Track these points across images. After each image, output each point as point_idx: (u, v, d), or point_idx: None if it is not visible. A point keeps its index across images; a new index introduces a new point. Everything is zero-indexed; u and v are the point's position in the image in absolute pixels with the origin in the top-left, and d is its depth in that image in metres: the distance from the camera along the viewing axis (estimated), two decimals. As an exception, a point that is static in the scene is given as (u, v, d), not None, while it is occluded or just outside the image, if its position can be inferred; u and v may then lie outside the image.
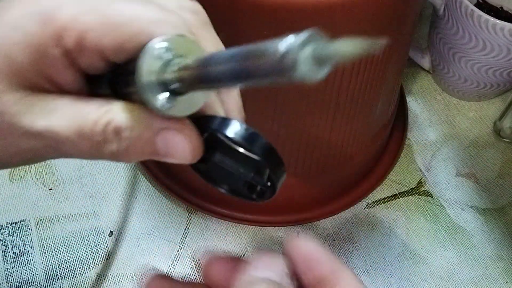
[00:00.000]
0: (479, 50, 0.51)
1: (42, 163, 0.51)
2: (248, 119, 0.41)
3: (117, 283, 0.45)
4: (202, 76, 0.20)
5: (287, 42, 0.17)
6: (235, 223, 0.48)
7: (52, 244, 0.47)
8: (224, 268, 0.26)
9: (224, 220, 0.48)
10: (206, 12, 0.35)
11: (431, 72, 0.60)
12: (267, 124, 0.40)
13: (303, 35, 0.17)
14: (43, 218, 0.48)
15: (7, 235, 0.47)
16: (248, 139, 0.22)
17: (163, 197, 0.50)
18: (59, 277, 0.45)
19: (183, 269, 0.46)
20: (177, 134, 0.22)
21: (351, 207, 0.50)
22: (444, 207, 0.51)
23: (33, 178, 0.50)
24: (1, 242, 0.47)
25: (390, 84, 0.44)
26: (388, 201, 0.51)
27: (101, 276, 0.45)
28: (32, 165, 0.51)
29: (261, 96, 0.39)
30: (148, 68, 0.20)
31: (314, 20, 0.34)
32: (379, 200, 0.51)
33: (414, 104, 0.58)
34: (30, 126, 0.22)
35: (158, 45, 0.21)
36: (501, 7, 0.56)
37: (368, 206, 0.51)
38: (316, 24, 0.34)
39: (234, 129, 0.22)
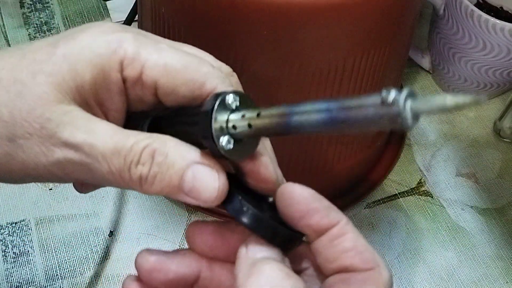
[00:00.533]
0: (479, 50, 0.51)
1: (42, 163, 0.51)
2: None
3: (117, 283, 0.45)
4: (283, 124, 0.22)
5: (393, 93, 0.19)
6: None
7: (52, 244, 0.47)
8: (209, 237, 0.27)
9: (224, 220, 0.48)
10: (206, 12, 0.35)
11: (431, 72, 0.60)
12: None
13: (405, 91, 0.19)
14: (43, 218, 0.48)
15: (7, 235, 0.47)
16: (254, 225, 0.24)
17: (162, 197, 0.50)
18: (59, 277, 0.45)
19: (183, 269, 0.46)
20: (209, 170, 0.23)
21: (351, 207, 0.50)
22: (444, 207, 0.51)
23: (33, 178, 0.50)
24: (1, 242, 0.47)
25: (390, 84, 0.44)
26: (388, 201, 0.51)
27: (101, 276, 0.45)
28: (32, 165, 0.51)
29: (261, 96, 0.39)
30: (219, 114, 0.23)
31: (314, 19, 0.34)
32: (379, 200, 0.51)
33: (414, 104, 0.58)
34: (70, 138, 0.23)
35: (229, 96, 0.23)
36: (501, 7, 0.56)
37: (368, 206, 0.51)
38: (316, 24, 0.35)
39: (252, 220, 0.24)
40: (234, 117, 0.23)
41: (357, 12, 0.34)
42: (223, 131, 0.23)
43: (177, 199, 0.24)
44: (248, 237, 0.25)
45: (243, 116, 0.23)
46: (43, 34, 0.60)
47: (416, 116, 0.20)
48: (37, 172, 0.24)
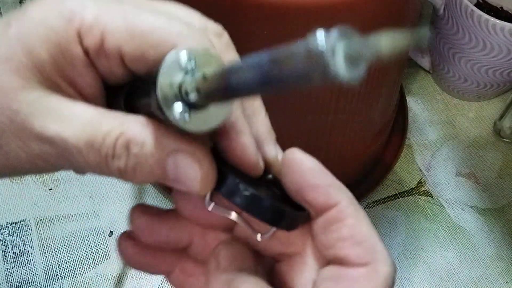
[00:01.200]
0: (479, 50, 0.51)
1: (42, 163, 0.51)
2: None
3: (117, 283, 0.45)
4: (225, 86, 0.19)
5: (318, 39, 0.16)
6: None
7: (52, 244, 0.47)
8: (150, 221, 0.25)
9: (224, 220, 0.48)
10: (207, 12, 0.35)
11: (431, 72, 0.60)
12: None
13: (334, 31, 0.16)
14: (43, 218, 0.48)
15: (7, 235, 0.47)
16: (251, 206, 0.22)
17: (162, 197, 0.50)
18: (59, 277, 0.45)
19: (183, 269, 0.46)
20: (189, 157, 0.21)
21: (351, 207, 0.50)
22: (444, 207, 0.51)
23: (33, 178, 0.50)
24: (1, 242, 0.47)
25: (390, 84, 0.44)
26: (388, 201, 0.51)
27: (101, 276, 0.45)
28: (32, 165, 0.51)
29: (262, 99, 0.39)
30: (168, 77, 0.20)
31: (314, 19, 0.34)
32: (379, 200, 0.51)
33: (414, 104, 0.58)
34: (42, 130, 0.21)
35: (180, 54, 0.20)
36: (501, 7, 0.56)
37: (368, 206, 0.51)
38: (316, 24, 0.34)
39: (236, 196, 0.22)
40: (186, 80, 0.20)
41: (357, 12, 0.34)
42: (176, 98, 0.20)
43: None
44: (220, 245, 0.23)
45: (189, 79, 0.19)
46: (43, 34, 0.60)
47: (353, 62, 0.16)
48: (22, 166, 0.22)
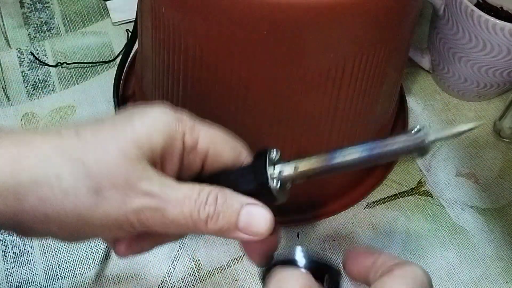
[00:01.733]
0: (479, 50, 0.51)
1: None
2: (249, 122, 0.41)
3: (117, 283, 0.45)
4: (333, 167, 0.29)
5: (423, 132, 0.27)
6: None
7: (52, 244, 0.47)
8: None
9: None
10: (206, 12, 0.35)
11: (431, 72, 0.60)
12: (267, 124, 0.40)
13: (427, 127, 0.27)
14: (43, 218, 0.48)
15: (7, 235, 0.47)
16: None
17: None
18: (59, 277, 0.45)
19: (183, 269, 0.46)
20: (260, 208, 0.30)
21: (351, 207, 0.50)
22: (444, 207, 0.51)
23: (33, 178, 0.50)
24: (1, 242, 0.47)
25: (390, 84, 0.44)
26: (388, 201, 0.51)
27: (101, 276, 0.45)
28: (32, 165, 0.51)
29: (261, 97, 0.39)
30: (271, 168, 0.30)
31: (314, 20, 0.34)
32: (379, 200, 0.51)
33: (414, 104, 0.58)
34: (148, 188, 0.28)
35: (273, 151, 0.31)
36: (501, 7, 0.56)
37: (368, 206, 0.51)
38: (316, 24, 0.35)
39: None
40: (283, 166, 0.30)
41: (357, 12, 0.34)
42: (272, 177, 0.30)
43: (230, 237, 0.30)
44: None
45: (295, 167, 0.30)
46: (43, 34, 0.60)
47: (433, 143, 0.27)
48: (115, 219, 0.28)
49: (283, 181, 0.30)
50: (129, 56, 0.55)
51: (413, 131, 0.27)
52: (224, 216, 0.29)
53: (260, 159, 0.30)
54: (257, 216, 0.30)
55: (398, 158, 0.29)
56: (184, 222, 0.29)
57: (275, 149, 0.31)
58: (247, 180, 0.30)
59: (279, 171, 0.30)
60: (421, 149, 0.27)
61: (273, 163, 0.30)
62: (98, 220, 0.28)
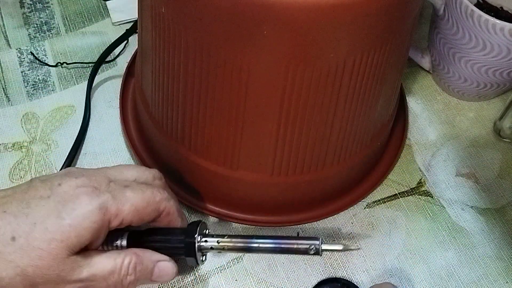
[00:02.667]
0: (479, 50, 0.51)
1: (42, 163, 0.51)
2: (250, 121, 0.41)
3: (117, 283, 0.45)
4: (247, 249, 0.40)
5: (316, 243, 0.39)
6: (235, 223, 0.48)
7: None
8: None
9: (224, 220, 0.48)
10: (206, 12, 0.35)
11: (431, 72, 0.60)
12: (268, 123, 0.40)
13: (319, 240, 0.39)
14: (43, 218, 0.48)
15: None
16: None
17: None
18: (59, 277, 0.45)
19: (183, 269, 0.46)
20: (168, 262, 0.39)
21: (351, 207, 0.50)
22: (444, 207, 0.51)
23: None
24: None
25: (390, 84, 0.44)
26: (388, 201, 0.51)
27: (101, 276, 0.45)
28: (32, 165, 0.51)
29: (261, 96, 0.39)
30: (198, 241, 0.39)
31: (314, 20, 0.34)
32: (379, 200, 0.51)
33: (414, 104, 0.58)
34: (78, 276, 0.35)
35: (201, 226, 0.40)
36: (501, 7, 0.56)
37: (368, 206, 0.51)
38: (316, 24, 0.35)
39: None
40: (212, 241, 0.39)
41: (357, 12, 0.34)
42: (200, 249, 0.40)
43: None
44: None
45: (217, 241, 0.39)
46: (43, 34, 0.60)
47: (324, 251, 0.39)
48: None
49: (204, 248, 0.39)
50: (116, 46, 0.57)
51: (310, 241, 0.39)
52: (142, 278, 0.38)
53: (192, 226, 0.40)
54: (165, 269, 0.39)
55: (297, 254, 0.39)
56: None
57: (206, 225, 0.41)
58: (178, 240, 0.39)
59: (205, 240, 0.39)
60: (315, 253, 0.38)
61: (203, 234, 0.40)
62: None
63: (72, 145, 0.52)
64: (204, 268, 0.46)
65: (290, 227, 0.49)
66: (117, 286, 0.37)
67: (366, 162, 0.50)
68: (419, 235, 0.49)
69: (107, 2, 0.63)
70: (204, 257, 0.41)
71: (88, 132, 0.53)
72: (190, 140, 0.44)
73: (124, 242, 0.39)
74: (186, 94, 0.41)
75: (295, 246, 0.39)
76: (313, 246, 0.38)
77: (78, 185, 0.36)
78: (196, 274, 0.46)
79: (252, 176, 0.44)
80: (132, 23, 0.60)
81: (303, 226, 0.49)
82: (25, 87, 0.56)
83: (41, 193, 0.36)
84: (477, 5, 0.55)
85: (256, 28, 0.34)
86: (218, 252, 0.41)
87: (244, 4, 0.33)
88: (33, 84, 0.56)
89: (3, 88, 0.56)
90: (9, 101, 0.55)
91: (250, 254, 0.47)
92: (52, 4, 0.63)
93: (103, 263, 0.36)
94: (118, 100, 0.54)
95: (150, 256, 0.38)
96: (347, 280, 0.46)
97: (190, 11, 0.36)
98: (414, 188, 0.52)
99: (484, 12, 0.49)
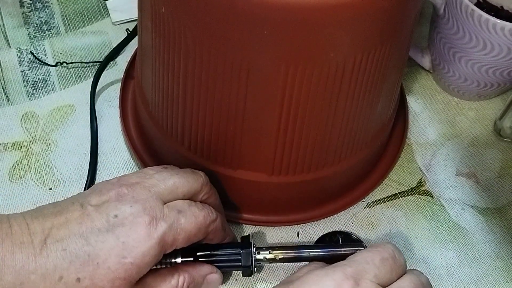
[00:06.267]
0: (479, 50, 0.51)
1: (42, 162, 0.51)
2: (250, 121, 0.41)
3: (117, 283, 0.45)
4: (298, 258, 0.42)
5: (361, 249, 0.41)
6: (235, 222, 0.48)
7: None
8: None
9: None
10: (206, 12, 0.35)
11: (431, 71, 0.60)
12: (268, 123, 0.40)
13: (363, 246, 0.42)
14: (43, 218, 0.48)
15: (7, 235, 0.47)
16: None
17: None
18: (59, 277, 0.45)
19: (183, 269, 0.46)
20: (216, 275, 0.41)
21: (351, 207, 0.50)
22: (444, 207, 0.51)
23: (33, 178, 0.50)
24: (1, 242, 0.47)
25: (390, 84, 0.44)
26: (388, 201, 0.51)
27: (101, 276, 0.45)
28: (32, 165, 0.51)
29: (261, 96, 0.39)
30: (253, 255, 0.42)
31: (314, 20, 0.34)
32: (379, 200, 0.51)
33: (414, 104, 0.58)
34: None
35: (253, 247, 0.43)
36: (501, 7, 0.56)
37: (368, 206, 0.51)
38: (316, 24, 0.35)
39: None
40: (264, 253, 0.42)
41: (357, 12, 0.34)
42: (255, 261, 0.42)
43: None
44: None
45: (269, 252, 0.42)
46: (43, 34, 0.60)
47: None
48: None
49: (258, 259, 0.42)
50: (116, 54, 0.57)
51: (355, 247, 0.41)
52: None
53: (246, 240, 0.43)
54: (213, 281, 0.41)
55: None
56: None
57: (252, 238, 0.43)
58: (235, 253, 0.42)
59: (258, 252, 0.42)
60: None
61: (256, 247, 0.43)
62: None
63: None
64: (204, 268, 0.46)
65: (290, 226, 0.49)
66: None
67: (366, 161, 0.50)
68: (419, 235, 0.49)
69: (107, 1, 0.63)
70: (256, 268, 0.43)
71: (96, 135, 0.53)
72: (190, 140, 0.44)
73: (179, 259, 0.41)
74: (186, 94, 0.41)
75: (342, 252, 0.41)
76: (358, 251, 0.39)
77: (134, 216, 0.36)
78: (196, 274, 0.46)
79: (252, 176, 0.44)
80: (132, 23, 0.60)
81: (303, 226, 0.49)
82: (25, 86, 0.56)
83: (98, 226, 0.35)
84: (477, 5, 0.55)
85: (256, 28, 0.34)
86: (270, 263, 0.43)
87: (244, 4, 0.33)
88: (33, 84, 0.56)
89: (3, 88, 0.56)
90: (9, 100, 0.55)
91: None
92: (52, 3, 0.63)
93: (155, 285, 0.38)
94: (118, 100, 0.54)
95: (199, 271, 0.40)
96: (347, 232, 0.47)
97: (190, 11, 0.36)
98: (414, 187, 0.52)
99: (484, 11, 0.49)
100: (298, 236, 0.49)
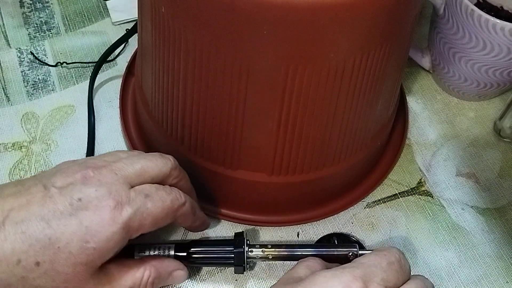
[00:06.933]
0: (479, 50, 0.51)
1: (42, 162, 0.51)
2: (250, 121, 0.41)
3: (117, 283, 0.45)
4: (291, 257, 0.43)
5: (354, 250, 0.42)
6: (235, 222, 0.48)
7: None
8: None
9: (224, 219, 0.48)
10: (206, 12, 0.35)
11: (431, 72, 0.60)
12: (268, 123, 0.40)
13: (356, 247, 0.42)
14: (43, 218, 0.48)
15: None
16: None
17: (163, 197, 0.50)
18: (59, 277, 0.45)
19: (183, 269, 0.46)
20: (182, 271, 0.42)
21: (351, 207, 0.50)
22: (444, 207, 0.51)
23: (33, 178, 0.50)
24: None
25: (390, 84, 0.44)
26: (388, 201, 0.51)
27: (101, 276, 0.45)
28: (32, 165, 0.51)
29: (262, 96, 0.39)
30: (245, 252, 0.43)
31: (314, 20, 0.34)
32: (379, 200, 0.51)
33: (414, 104, 0.58)
34: None
35: (245, 246, 0.43)
36: (501, 7, 0.56)
37: (368, 206, 0.51)
38: (316, 24, 0.35)
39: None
40: (257, 251, 0.42)
41: (357, 12, 0.34)
42: (247, 259, 0.42)
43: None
44: None
45: (262, 251, 0.42)
46: (43, 34, 0.60)
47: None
48: None
49: (251, 257, 0.42)
50: (114, 50, 0.57)
51: (348, 248, 0.42)
52: (156, 286, 0.40)
53: (240, 238, 0.43)
54: (178, 277, 0.42)
55: (337, 262, 0.40)
56: None
57: (247, 239, 0.43)
58: (227, 251, 0.42)
59: (251, 250, 0.42)
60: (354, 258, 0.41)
61: (249, 245, 0.43)
62: None
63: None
64: (204, 268, 0.46)
65: (290, 227, 0.49)
66: None
67: (366, 162, 0.50)
68: (419, 235, 0.49)
69: (107, 2, 0.63)
70: (248, 265, 0.44)
71: (93, 134, 0.53)
72: (190, 140, 0.44)
73: (172, 252, 0.42)
74: (186, 94, 0.41)
75: (336, 253, 0.42)
76: (351, 253, 0.41)
77: (99, 200, 0.35)
78: (197, 274, 0.46)
79: (252, 176, 0.44)
80: (132, 23, 0.60)
81: (303, 226, 0.49)
82: (25, 87, 0.56)
83: (61, 209, 0.34)
84: (477, 5, 0.55)
85: (256, 28, 0.34)
86: (263, 261, 0.43)
87: (244, 4, 0.33)
88: (33, 84, 0.56)
89: (3, 88, 0.56)
90: (9, 101, 0.55)
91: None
92: (52, 3, 0.63)
93: (124, 279, 0.37)
94: (118, 100, 0.54)
95: (166, 267, 0.40)
96: (345, 234, 0.48)
97: (190, 11, 0.36)
98: (414, 188, 0.52)
99: (484, 11, 0.49)
100: (298, 236, 0.49)
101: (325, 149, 0.43)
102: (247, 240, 0.43)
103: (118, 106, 0.54)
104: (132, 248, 0.42)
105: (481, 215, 0.51)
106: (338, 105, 0.40)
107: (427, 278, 0.38)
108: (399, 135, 0.55)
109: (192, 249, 0.42)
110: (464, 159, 0.54)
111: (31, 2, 0.63)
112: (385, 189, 0.52)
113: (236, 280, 0.46)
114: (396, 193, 0.52)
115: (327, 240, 0.47)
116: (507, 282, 0.47)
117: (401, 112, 0.56)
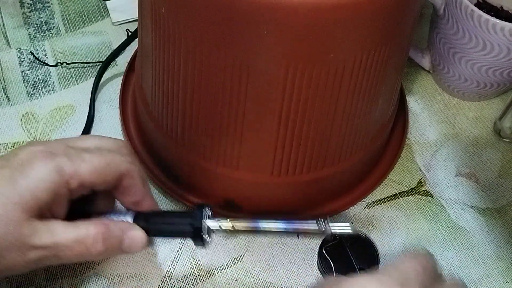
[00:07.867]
0: (479, 50, 0.51)
1: (42, 163, 0.51)
2: (250, 121, 0.41)
3: (117, 283, 0.45)
4: (256, 228, 0.40)
5: (325, 223, 0.40)
6: (235, 223, 0.48)
7: (52, 244, 0.47)
8: None
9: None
10: (206, 12, 0.35)
11: (431, 72, 0.60)
12: (268, 123, 0.40)
13: (328, 221, 0.40)
14: (43, 218, 0.48)
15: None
16: None
17: (163, 197, 0.50)
18: (59, 277, 0.45)
19: (183, 269, 0.46)
20: (138, 232, 0.38)
21: (351, 207, 0.50)
22: (444, 207, 0.51)
23: (33, 178, 0.50)
24: (1, 242, 0.47)
25: (390, 84, 0.44)
26: (388, 201, 0.51)
27: (101, 276, 0.45)
28: (32, 165, 0.51)
29: (262, 96, 0.39)
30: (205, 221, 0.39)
31: (315, 20, 0.34)
32: (379, 200, 0.51)
33: (414, 104, 0.58)
34: (39, 242, 0.34)
35: (207, 208, 0.40)
36: (501, 7, 0.56)
37: (368, 206, 0.51)
38: (316, 24, 0.35)
39: None
40: (223, 222, 0.39)
41: (357, 12, 0.34)
42: (208, 230, 0.39)
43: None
44: None
45: (228, 220, 0.39)
46: (43, 34, 0.60)
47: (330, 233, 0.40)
48: (16, 268, 0.35)
49: (213, 228, 0.39)
50: (118, 54, 0.57)
51: (318, 221, 0.39)
52: (110, 247, 0.37)
53: (199, 210, 0.39)
54: (135, 239, 0.38)
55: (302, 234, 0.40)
56: (78, 259, 0.36)
57: (208, 207, 0.40)
58: (185, 223, 0.39)
59: (211, 221, 0.39)
60: (322, 234, 0.39)
61: (209, 216, 0.40)
62: (1, 270, 0.34)
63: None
64: (204, 268, 0.46)
65: (290, 227, 0.49)
66: (84, 255, 0.36)
67: (366, 162, 0.50)
68: (419, 235, 0.49)
69: (107, 2, 0.63)
70: (210, 238, 0.40)
71: (88, 132, 0.53)
72: (190, 140, 0.44)
73: (130, 219, 0.39)
74: (186, 94, 0.41)
75: (305, 226, 0.39)
76: (319, 220, 0.39)
77: (34, 151, 0.35)
78: (196, 273, 0.46)
79: (252, 176, 0.44)
80: (132, 23, 0.60)
81: (303, 226, 0.49)
82: (25, 87, 0.56)
83: None
84: (477, 5, 0.55)
85: (256, 28, 0.34)
86: (226, 233, 0.41)
87: (244, 4, 0.33)
88: (33, 84, 0.56)
89: (3, 88, 0.56)
90: (9, 101, 0.55)
91: (251, 254, 0.47)
92: (52, 4, 0.63)
93: (66, 232, 0.35)
94: (118, 100, 0.54)
95: (119, 226, 0.38)
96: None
97: (190, 11, 0.36)
98: (414, 188, 0.52)
99: (484, 12, 0.49)
100: (298, 236, 0.49)
101: (325, 149, 0.43)
102: (211, 212, 0.40)
103: (118, 106, 0.54)
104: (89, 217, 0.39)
105: (481, 215, 0.51)
106: (338, 105, 0.40)
107: (463, 281, 0.37)
108: (399, 135, 0.55)
109: (150, 218, 0.40)
110: (464, 159, 0.54)
111: (31, 2, 0.63)
112: (385, 189, 0.52)
113: (236, 280, 0.46)
114: (396, 193, 0.52)
115: (333, 243, 0.46)
116: (507, 282, 0.47)
117: (401, 112, 0.56)
